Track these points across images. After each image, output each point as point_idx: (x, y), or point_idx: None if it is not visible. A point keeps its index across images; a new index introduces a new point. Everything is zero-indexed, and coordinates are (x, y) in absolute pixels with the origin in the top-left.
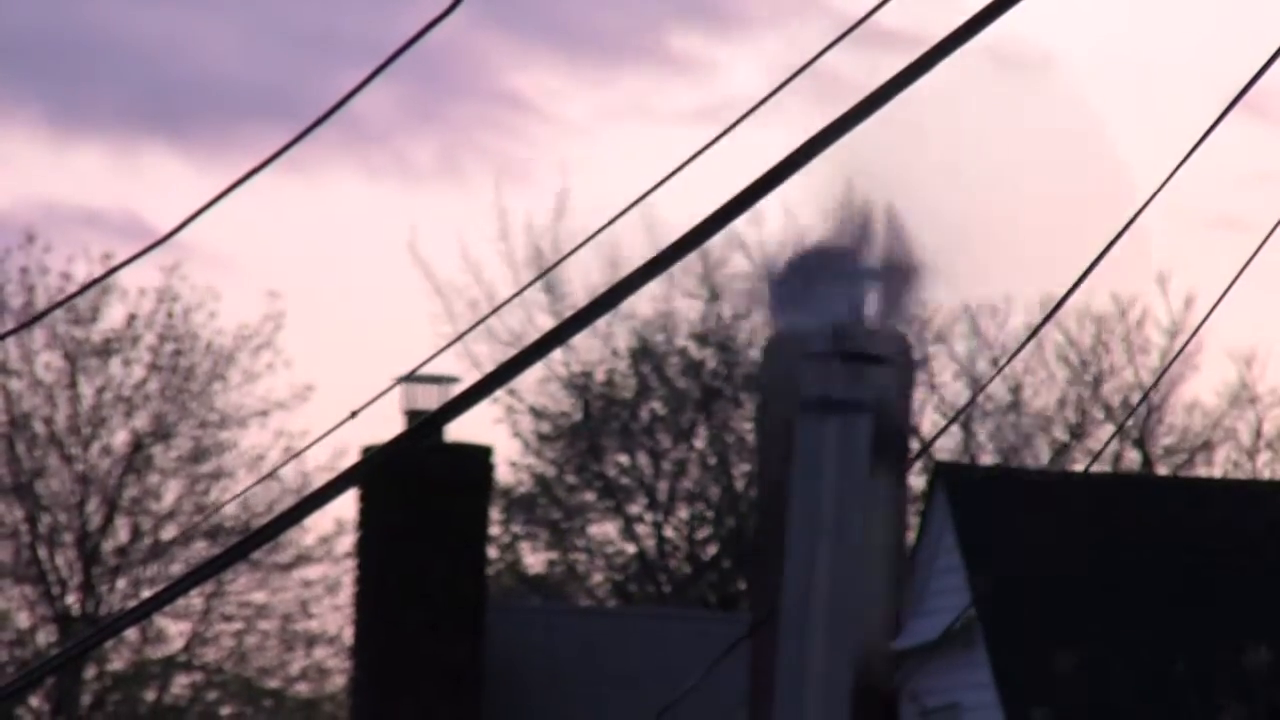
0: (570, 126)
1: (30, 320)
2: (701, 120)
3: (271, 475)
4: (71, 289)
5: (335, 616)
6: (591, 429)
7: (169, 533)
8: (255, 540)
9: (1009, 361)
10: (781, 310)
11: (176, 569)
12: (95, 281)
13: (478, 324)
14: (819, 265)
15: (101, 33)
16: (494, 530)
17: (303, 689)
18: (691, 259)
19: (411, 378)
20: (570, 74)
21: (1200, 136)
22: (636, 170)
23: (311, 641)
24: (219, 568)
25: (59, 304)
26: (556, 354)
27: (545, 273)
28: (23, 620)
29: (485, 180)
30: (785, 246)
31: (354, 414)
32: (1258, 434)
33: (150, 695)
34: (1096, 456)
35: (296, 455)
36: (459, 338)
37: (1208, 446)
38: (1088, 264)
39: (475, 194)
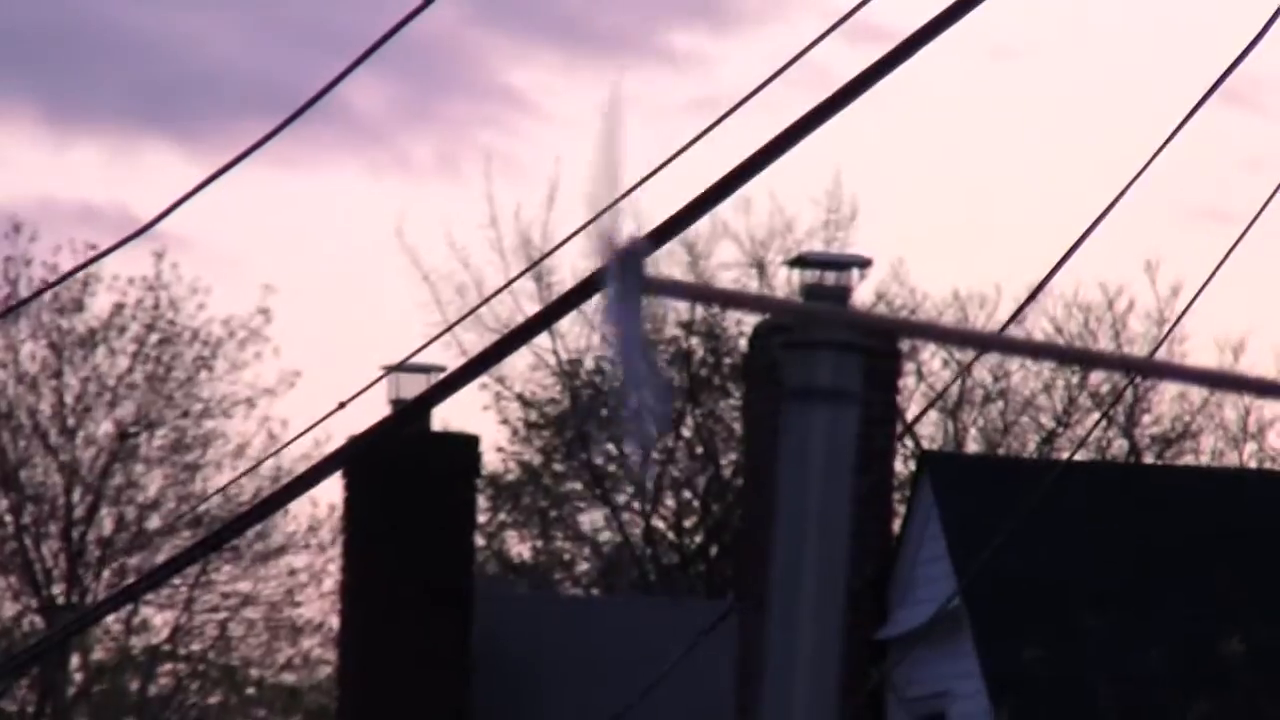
0: (566, 122)
1: (11, 307)
2: (698, 114)
3: (256, 468)
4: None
5: (321, 605)
6: (579, 417)
7: (153, 523)
8: (239, 525)
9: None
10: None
11: (161, 559)
12: (78, 269)
13: (468, 314)
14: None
15: (99, 27)
16: (481, 518)
17: (289, 678)
18: (677, 248)
19: (398, 367)
20: (567, 70)
21: (1179, 123)
22: (633, 164)
23: (298, 630)
24: (203, 553)
25: (40, 291)
26: (544, 341)
27: (535, 264)
28: (8, 610)
29: (480, 175)
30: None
31: (342, 405)
32: (1244, 423)
33: (135, 685)
34: (1080, 444)
35: (283, 448)
36: (448, 329)
37: (1194, 435)
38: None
39: (470, 189)
